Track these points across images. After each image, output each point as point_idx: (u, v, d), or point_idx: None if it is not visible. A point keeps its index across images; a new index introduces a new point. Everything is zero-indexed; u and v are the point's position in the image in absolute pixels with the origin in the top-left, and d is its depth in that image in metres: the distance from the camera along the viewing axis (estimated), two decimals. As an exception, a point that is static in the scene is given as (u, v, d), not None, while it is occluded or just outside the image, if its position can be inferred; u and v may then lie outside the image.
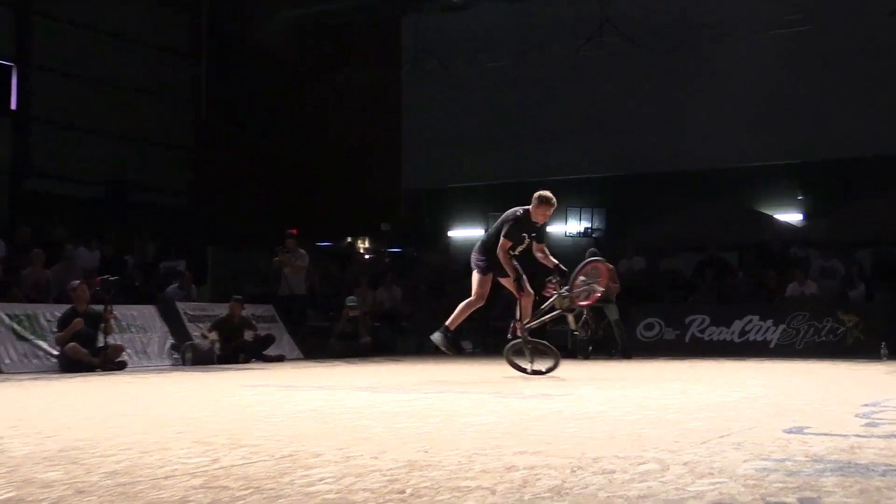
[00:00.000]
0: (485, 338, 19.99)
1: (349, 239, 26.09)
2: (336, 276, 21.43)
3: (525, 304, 9.74)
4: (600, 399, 7.24)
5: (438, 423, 5.72)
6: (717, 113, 22.93)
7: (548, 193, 9.56)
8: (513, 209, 9.51)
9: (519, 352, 10.14)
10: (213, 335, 14.98)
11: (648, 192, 23.28)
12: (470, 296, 9.73)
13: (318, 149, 25.46)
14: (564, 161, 24.11)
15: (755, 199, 22.46)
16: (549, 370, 9.96)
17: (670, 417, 5.79)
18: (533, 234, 9.56)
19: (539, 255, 9.71)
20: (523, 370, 9.99)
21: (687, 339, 17.43)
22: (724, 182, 22.59)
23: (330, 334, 17.58)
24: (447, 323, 9.68)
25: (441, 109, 26.03)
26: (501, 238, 9.33)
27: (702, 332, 17.41)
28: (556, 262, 9.87)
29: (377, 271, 21.38)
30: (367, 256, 25.29)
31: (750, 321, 17.10)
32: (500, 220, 9.58)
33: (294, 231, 17.75)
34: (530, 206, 9.49)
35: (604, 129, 23.98)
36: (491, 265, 9.50)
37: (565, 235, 23.66)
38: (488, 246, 9.54)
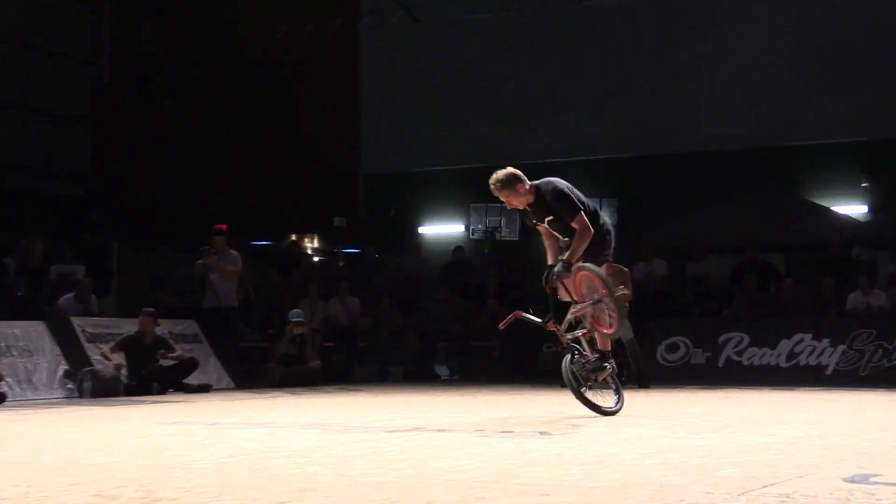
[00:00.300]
0: (464, 361, 20.02)
1: (293, 237, 26.04)
2: (277, 283, 21.38)
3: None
4: (610, 439, 7.25)
5: (406, 469, 5.70)
6: (759, 78, 23.04)
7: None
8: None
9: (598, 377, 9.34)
10: (117, 357, 14.91)
11: (671, 178, 23.34)
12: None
13: (255, 123, 25.39)
14: (565, 139, 24.16)
15: (807, 187, 22.58)
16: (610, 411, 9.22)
17: (699, 462, 5.80)
18: (535, 220, 9.49)
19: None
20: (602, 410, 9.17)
21: (721, 364, 17.46)
22: (768, 166, 22.68)
23: (269, 357, 17.53)
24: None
25: (409, 73, 26.01)
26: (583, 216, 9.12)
27: (739, 354, 17.45)
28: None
29: (329, 278, 21.35)
30: (316, 259, 25.26)
31: (801, 341, 17.15)
32: (567, 189, 9.30)
33: (223, 227, 17.68)
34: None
35: (614, 98, 24.04)
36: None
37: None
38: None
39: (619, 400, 9.31)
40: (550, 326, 9.26)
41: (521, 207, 9.28)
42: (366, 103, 26.61)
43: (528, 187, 9.15)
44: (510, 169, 9.16)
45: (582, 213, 9.06)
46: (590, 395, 9.13)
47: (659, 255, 19.89)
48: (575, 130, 24.19)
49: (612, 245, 9.48)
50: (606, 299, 9.10)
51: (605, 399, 9.23)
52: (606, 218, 9.60)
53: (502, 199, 9.16)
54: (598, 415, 8.94)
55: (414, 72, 25.94)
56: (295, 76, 25.64)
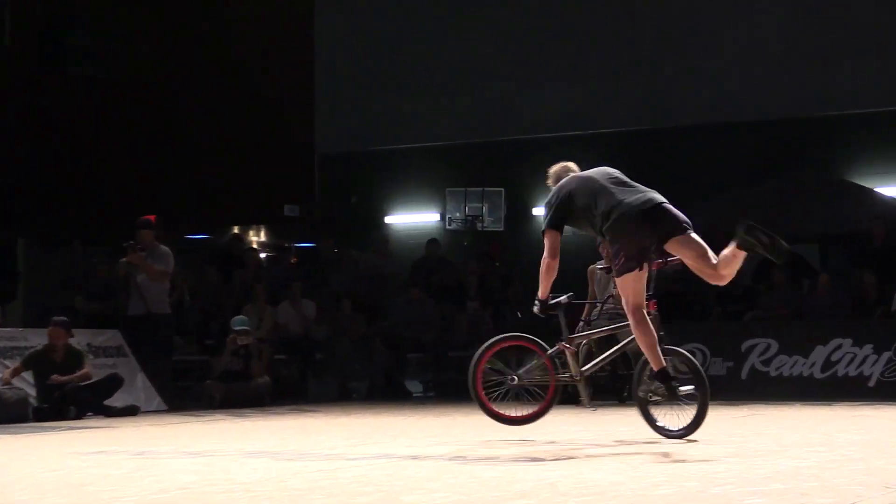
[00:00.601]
0: (439, 375, 20.03)
1: (236, 230, 26.01)
2: (217, 285, 21.35)
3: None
4: (614, 466, 7.28)
5: (372, 501, 5.73)
6: (789, 37, 23.10)
7: None
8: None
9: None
10: (9, 376, 14.81)
11: (684, 157, 23.39)
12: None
13: (189, 96, 25.34)
14: (558, 111, 24.19)
15: (846, 166, 22.67)
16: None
17: (719, 492, 5.83)
18: None
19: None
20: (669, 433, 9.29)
21: (744, 375, 17.51)
22: (801, 140, 22.76)
23: (208, 373, 17.50)
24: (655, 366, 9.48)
25: (372, 37, 25.99)
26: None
27: (766, 363, 17.50)
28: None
29: (279, 278, 21.32)
30: (263, 255, 25.22)
31: (839, 347, 17.21)
32: (614, 173, 9.92)
33: (151, 218, 17.65)
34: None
35: (616, 63, 24.08)
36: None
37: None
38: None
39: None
40: None
41: None
42: (321, 71, 26.56)
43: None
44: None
45: (545, 230, 9.80)
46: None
47: (670, 247, 19.92)
48: (569, 101, 24.22)
49: (631, 239, 9.47)
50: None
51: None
52: (629, 196, 9.83)
53: None
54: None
55: (378, 35, 25.90)
56: (237, 39, 25.61)
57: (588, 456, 8.00)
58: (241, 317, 17.65)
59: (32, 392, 15.04)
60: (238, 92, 25.44)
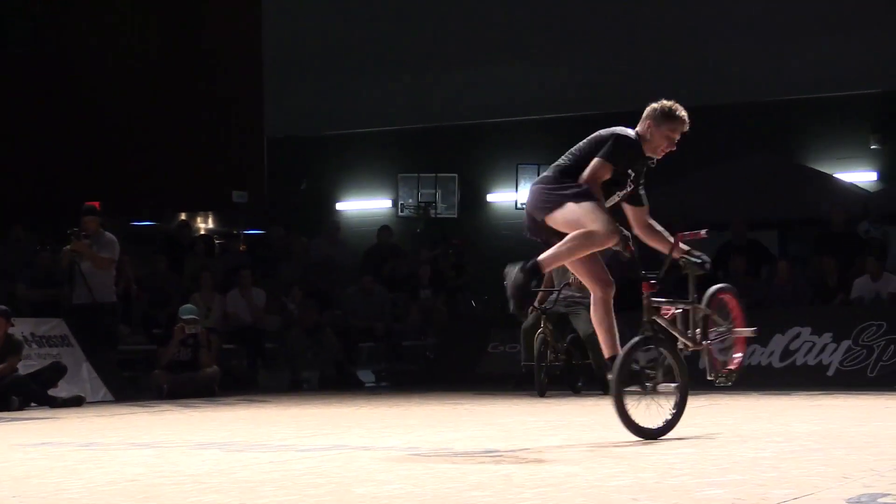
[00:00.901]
0: (393, 365, 20.06)
1: (182, 216, 25.93)
2: (163, 273, 21.28)
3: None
4: (569, 457, 7.32)
5: (324, 496, 5.74)
6: (748, 19, 23.20)
7: (675, 104, 9.14)
8: (616, 128, 8.92)
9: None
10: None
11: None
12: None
13: (134, 77, 25.21)
14: (515, 94, 24.24)
15: (806, 151, 22.82)
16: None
17: (676, 483, 5.88)
18: (640, 184, 9.07)
19: (642, 231, 9.42)
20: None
21: (701, 364, 17.62)
22: (759, 125, 22.88)
23: (155, 363, 17.46)
24: (542, 257, 8.45)
25: (322, 15, 25.94)
26: (596, 161, 8.51)
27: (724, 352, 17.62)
28: (676, 242, 9.51)
29: (227, 266, 21.27)
30: (211, 242, 25.14)
31: (797, 335, 17.31)
32: (590, 139, 8.78)
33: (95, 204, 17.56)
34: (640, 128, 8.98)
35: (576, 44, 24.14)
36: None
37: (517, 206, 23.77)
38: (571, 172, 8.59)
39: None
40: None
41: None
42: (270, 53, 26.49)
43: None
44: None
45: None
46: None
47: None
48: (527, 83, 24.28)
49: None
50: None
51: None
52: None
53: (676, 140, 9.28)
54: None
55: (328, 17, 25.86)
56: (184, 18, 25.48)
57: (543, 447, 8.04)
58: (189, 305, 17.60)
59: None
60: (185, 75, 25.32)
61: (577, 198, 8.40)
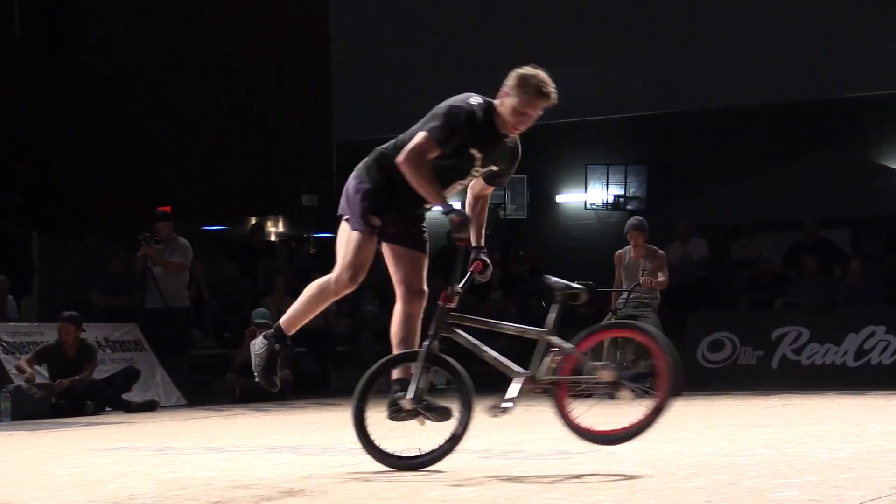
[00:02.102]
0: (464, 367, 20.03)
1: (254, 220, 26.04)
2: (236, 277, 21.38)
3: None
4: (642, 458, 7.28)
5: (396, 499, 5.74)
6: (817, 15, 22.99)
7: (539, 74, 7.49)
8: (461, 96, 7.49)
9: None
10: (29, 370, 14.85)
11: (712, 140, 23.35)
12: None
13: (204, 84, 25.36)
14: (581, 95, 24.12)
15: (878, 148, 22.59)
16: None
17: (750, 485, 5.83)
18: (491, 165, 7.56)
19: (471, 201, 7.99)
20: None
21: (775, 364, 17.50)
22: (830, 122, 22.67)
23: (228, 367, 17.54)
24: (282, 320, 7.58)
25: (390, 21, 25.98)
26: (419, 135, 7.27)
27: (797, 352, 17.48)
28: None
29: (299, 269, 21.33)
30: (290, 246, 25.23)
31: (872, 334, 17.17)
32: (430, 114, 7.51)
33: (167, 210, 17.67)
34: (498, 99, 7.39)
35: (642, 45, 24.03)
36: (386, 204, 7.51)
37: (586, 207, 23.71)
38: (381, 159, 7.48)
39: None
40: None
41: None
42: (338, 56, 26.56)
43: None
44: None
45: None
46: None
47: (698, 234, 19.90)
48: (593, 85, 24.16)
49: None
50: None
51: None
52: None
53: (535, 117, 7.49)
54: None
55: (395, 21, 25.89)
56: (253, 25, 25.58)
57: (615, 449, 7.99)
58: (261, 309, 17.66)
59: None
60: (255, 80, 25.42)
61: (353, 222, 7.45)
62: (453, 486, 6.14)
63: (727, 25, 23.52)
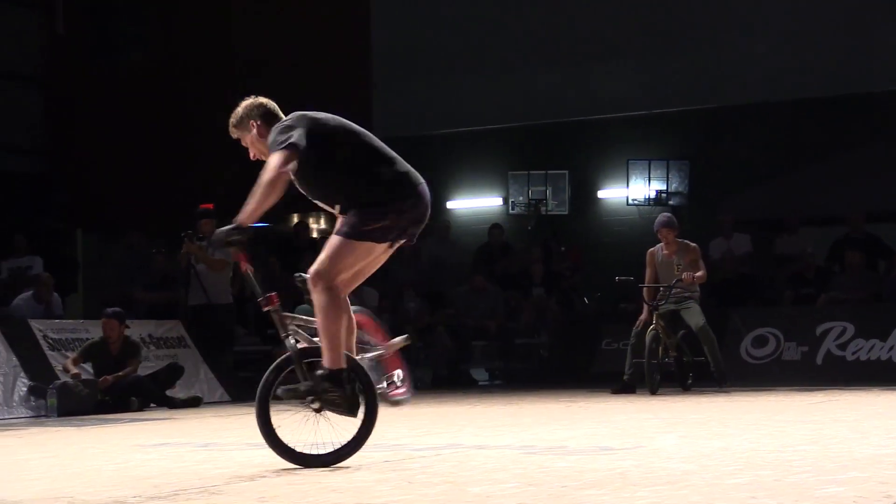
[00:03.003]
0: (506, 363, 20.08)
1: (296, 217, 26.11)
2: (278, 274, 21.43)
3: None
4: (686, 454, 7.28)
5: (439, 496, 5.77)
6: (862, 5, 22.87)
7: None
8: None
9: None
10: (75, 369, 14.94)
11: (754, 134, 23.26)
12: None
13: (244, 79, 25.44)
14: (623, 90, 24.11)
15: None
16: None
17: (795, 481, 5.83)
18: None
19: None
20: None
21: (819, 360, 17.45)
22: (875, 114, 22.52)
23: (271, 363, 17.58)
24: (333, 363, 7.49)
25: (431, 14, 26.00)
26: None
27: (842, 347, 17.42)
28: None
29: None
30: (325, 243, 25.25)
31: (918, 330, 17.18)
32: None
33: (210, 206, 17.74)
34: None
35: (683, 38, 23.96)
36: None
37: (628, 203, 23.67)
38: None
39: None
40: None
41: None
42: (379, 53, 26.60)
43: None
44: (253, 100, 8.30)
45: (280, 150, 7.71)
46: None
47: (741, 229, 19.86)
48: (635, 80, 24.12)
49: (401, 211, 7.86)
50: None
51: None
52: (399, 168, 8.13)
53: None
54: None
55: (436, 16, 25.90)
56: (294, 23, 25.65)
57: (658, 445, 8.00)
58: (304, 306, 17.63)
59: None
60: (295, 76, 25.49)
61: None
62: (496, 482, 6.15)
63: (771, 19, 23.43)
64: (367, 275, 7.79)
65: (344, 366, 7.41)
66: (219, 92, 24.79)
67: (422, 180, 8.02)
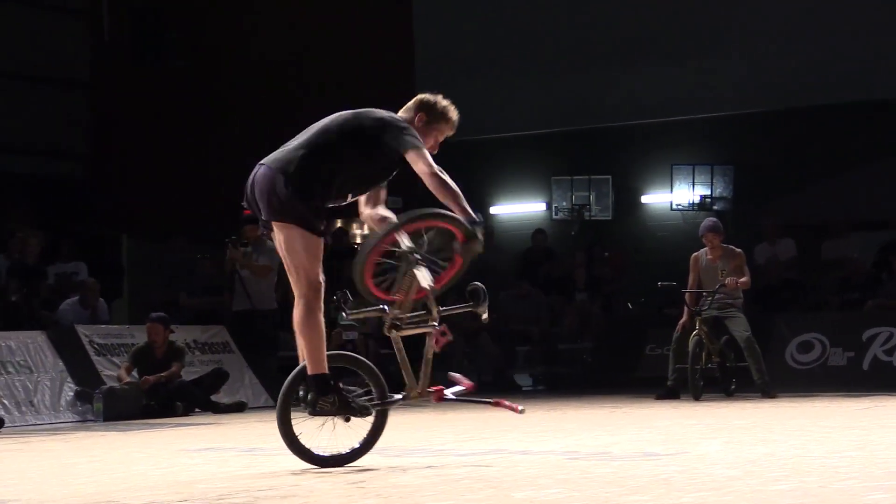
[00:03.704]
0: (549, 368, 20.06)
1: (339, 222, 26.17)
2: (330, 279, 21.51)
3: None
4: (730, 460, 7.26)
5: (483, 500, 5.78)
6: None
7: (451, 106, 8.18)
8: (386, 112, 8.12)
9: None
10: (125, 374, 15.03)
11: (800, 138, 23.16)
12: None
13: (288, 85, 25.52)
14: (667, 95, 24.06)
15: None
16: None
17: (841, 487, 5.81)
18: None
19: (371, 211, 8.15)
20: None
21: (866, 366, 17.36)
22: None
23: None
24: (309, 371, 7.69)
25: (473, 19, 26.01)
26: (418, 152, 7.72)
27: (889, 353, 17.33)
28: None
29: (382, 270, 21.40)
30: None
31: (964, 335, 17.08)
32: (348, 121, 8.03)
33: (252, 212, 17.81)
34: (405, 114, 8.15)
35: (727, 43, 23.89)
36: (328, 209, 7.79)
37: (672, 208, 23.61)
38: (321, 170, 7.72)
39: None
40: None
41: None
42: (422, 59, 26.63)
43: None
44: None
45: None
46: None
47: (786, 234, 19.78)
48: (679, 84, 24.06)
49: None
50: None
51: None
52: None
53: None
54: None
55: (479, 21, 25.90)
56: (335, 27, 25.72)
57: (702, 451, 7.98)
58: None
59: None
60: (337, 79, 25.55)
61: (300, 229, 7.57)
62: (540, 487, 6.16)
63: (815, 23, 23.31)
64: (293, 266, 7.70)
65: (324, 371, 7.59)
66: (262, 97, 24.93)
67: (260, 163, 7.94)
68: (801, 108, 23.21)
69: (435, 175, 7.60)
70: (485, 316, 8.18)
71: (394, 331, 8.00)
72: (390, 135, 7.72)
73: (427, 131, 7.94)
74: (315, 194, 7.60)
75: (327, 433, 7.76)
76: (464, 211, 7.61)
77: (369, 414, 7.80)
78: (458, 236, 7.80)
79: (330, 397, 7.60)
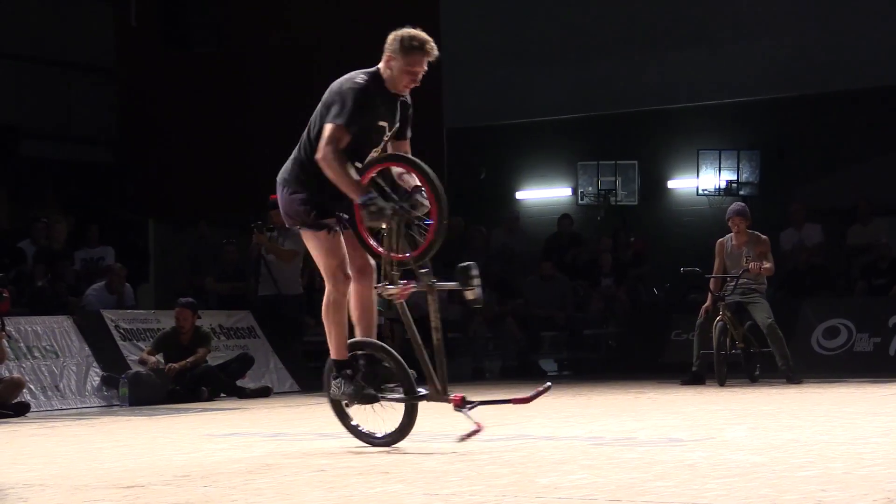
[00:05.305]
0: (574, 353, 20.04)
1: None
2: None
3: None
4: (756, 445, 7.25)
5: (508, 486, 5.78)
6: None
7: (419, 33, 7.81)
8: (346, 76, 7.94)
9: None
10: (153, 359, 15.07)
11: (826, 123, 23.06)
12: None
13: (314, 70, 25.53)
14: (692, 79, 23.98)
15: None
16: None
17: (866, 473, 5.79)
18: (396, 123, 8.00)
19: (399, 167, 8.11)
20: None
21: (892, 351, 17.33)
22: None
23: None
24: (332, 355, 8.13)
25: (499, 5, 25.96)
26: (326, 128, 7.67)
27: (916, 339, 17.35)
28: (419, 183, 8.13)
29: (409, 256, 21.41)
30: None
31: None
32: (321, 103, 7.93)
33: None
34: (381, 64, 7.91)
35: (754, 27, 23.80)
36: (322, 202, 7.91)
37: (698, 193, 23.55)
38: (304, 163, 7.95)
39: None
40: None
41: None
42: (448, 44, 26.51)
43: None
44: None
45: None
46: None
47: (812, 219, 19.73)
48: (705, 69, 23.98)
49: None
50: None
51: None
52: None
53: (420, 72, 7.93)
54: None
55: (505, 6, 25.85)
56: (361, 11, 25.71)
57: (728, 436, 7.97)
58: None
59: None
60: (363, 67, 25.56)
61: (309, 231, 7.98)
62: (564, 473, 6.16)
63: (845, 7, 23.20)
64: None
65: (342, 357, 8.01)
66: (288, 83, 24.94)
67: None
68: (829, 93, 23.11)
69: (322, 159, 7.67)
70: (471, 297, 8.18)
71: (390, 287, 8.14)
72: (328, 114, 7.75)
73: (398, 68, 7.82)
74: (308, 187, 7.86)
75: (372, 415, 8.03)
76: (349, 191, 7.68)
77: (375, 401, 8.03)
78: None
79: (339, 381, 7.95)
